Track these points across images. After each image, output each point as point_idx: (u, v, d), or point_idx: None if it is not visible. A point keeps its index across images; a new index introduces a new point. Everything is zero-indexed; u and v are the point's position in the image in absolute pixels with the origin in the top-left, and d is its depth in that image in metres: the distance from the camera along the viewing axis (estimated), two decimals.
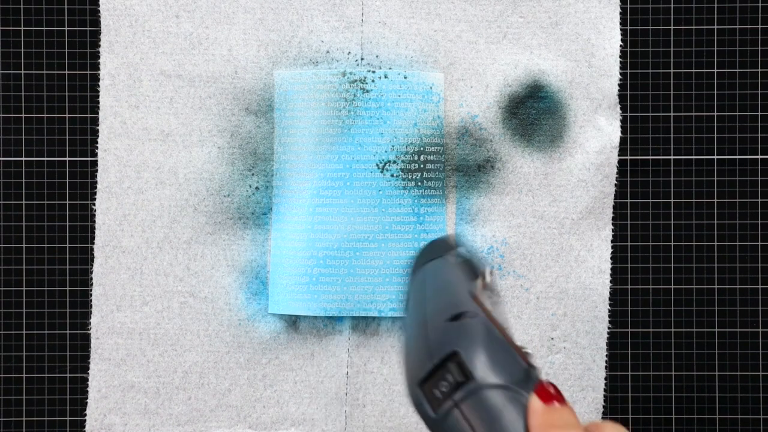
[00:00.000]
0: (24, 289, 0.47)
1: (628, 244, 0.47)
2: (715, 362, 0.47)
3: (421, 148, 0.46)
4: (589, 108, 0.47)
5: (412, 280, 0.35)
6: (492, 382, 0.27)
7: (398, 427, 0.46)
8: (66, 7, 0.47)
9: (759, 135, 0.47)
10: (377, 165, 0.45)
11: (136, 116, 0.46)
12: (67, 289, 0.47)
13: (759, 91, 0.47)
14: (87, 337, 0.47)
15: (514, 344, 0.29)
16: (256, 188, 0.47)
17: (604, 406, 0.47)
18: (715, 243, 0.47)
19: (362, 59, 0.46)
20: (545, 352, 0.46)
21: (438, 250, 0.36)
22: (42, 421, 0.47)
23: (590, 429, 0.27)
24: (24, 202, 0.47)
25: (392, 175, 0.46)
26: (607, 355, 0.47)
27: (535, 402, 0.27)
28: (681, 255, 0.47)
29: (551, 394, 0.27)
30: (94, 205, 0.47)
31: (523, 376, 0.28)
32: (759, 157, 0.47)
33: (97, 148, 0.46)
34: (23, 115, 0.47)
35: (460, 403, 0.27)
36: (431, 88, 0.46)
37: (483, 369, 0.27)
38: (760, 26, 0.47)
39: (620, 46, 0.47)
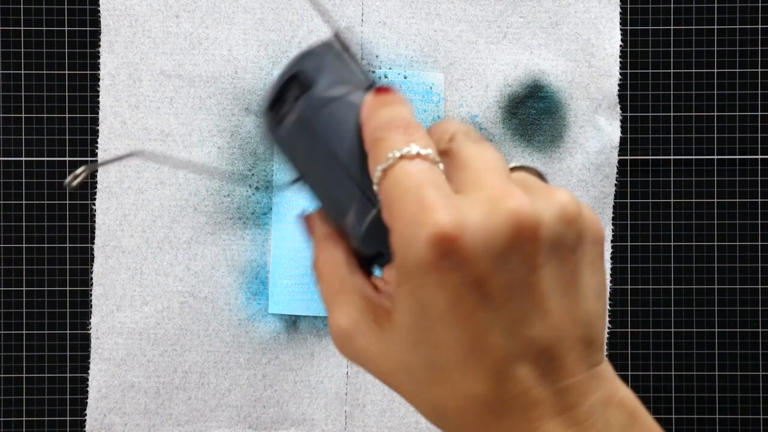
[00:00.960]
0: (24, 289, 0.47)
1: (628, 244, 0.47)
2: (715, 362, 0.47)
3: None
4: (589, 108, 0.47)
5: None
6: (330, 89, 0.26)
7: (398, 427, 0.46)
8: (66, 7, 0.47)
9: (759, 135, 0.47)
10: None
11: (136, 116, 0.46)
12: (67, 289, 0.47)
13: (759, 91, 0.47)
14: (87, 337, 0.47)
15: (364, 69, 0.28)
16: (256, 188, 0.47)
17: None
18: (715, 243, 0.47)
19: (362, 59, 0.46)
20: None
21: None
22: (42, 421, 0.47)
23: (431, 127, 0.26)
24: (24, 202, 0.47)
25: None
26: (607, 355, 0.47)
27: (369, 96, 0.25)
28: (681, 255, 0.47)
29: (388, 89, 0.25)
30: (94, 205, 0.47)
31: (367, 87, 0.27)
32: (759, 157, 0.47)
33: (97, 148, 0.46)
34: (23, 115, 0.47)
35: (300, 114, 0.26)
36: (431, 88, 0.46)
37: (323, 81, 0.26)
38: (760, 26, 0.47)
39: (620, 46, 0.47)
